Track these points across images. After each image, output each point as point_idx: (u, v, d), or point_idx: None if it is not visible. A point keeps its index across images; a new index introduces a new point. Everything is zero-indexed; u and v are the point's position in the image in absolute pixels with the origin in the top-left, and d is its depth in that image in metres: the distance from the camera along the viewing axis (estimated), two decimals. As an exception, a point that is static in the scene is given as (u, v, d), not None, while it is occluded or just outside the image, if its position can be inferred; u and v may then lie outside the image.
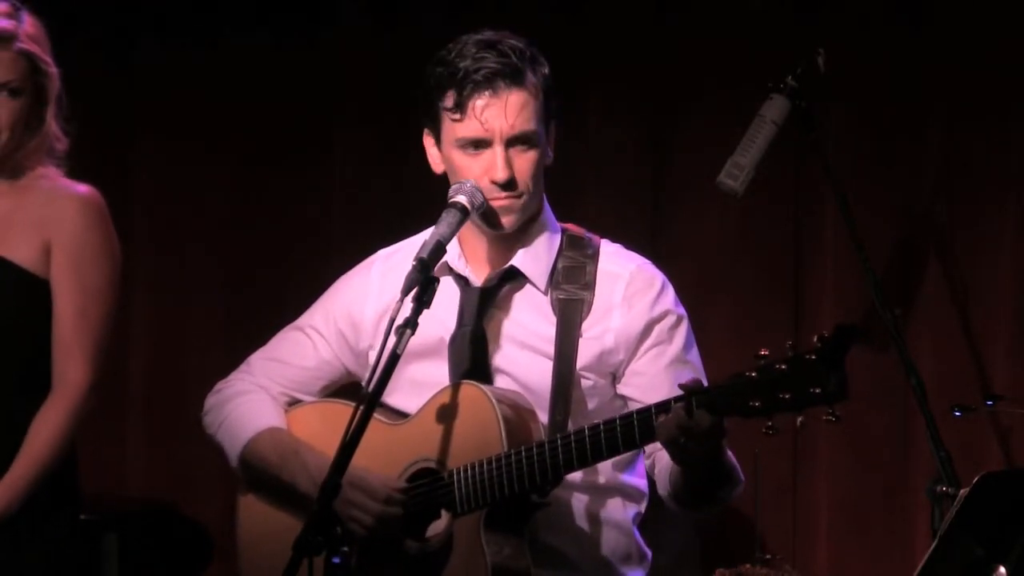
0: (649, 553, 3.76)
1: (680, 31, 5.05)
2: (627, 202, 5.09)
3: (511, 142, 3.60)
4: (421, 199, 4.01)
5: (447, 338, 3.67)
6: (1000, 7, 4.80)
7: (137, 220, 5.41)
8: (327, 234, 5.33)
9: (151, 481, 5.42)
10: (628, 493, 3.71)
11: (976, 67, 4.81)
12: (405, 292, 3.43)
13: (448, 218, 3.55)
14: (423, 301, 3.42)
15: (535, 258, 3.69)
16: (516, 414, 3.55)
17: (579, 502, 3.66)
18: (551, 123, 3.68)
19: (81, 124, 4.07)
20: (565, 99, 3.78)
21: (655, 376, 3.64)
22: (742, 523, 4.81)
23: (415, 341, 3.43)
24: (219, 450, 3.86)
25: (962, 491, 3.47)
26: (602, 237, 3.79)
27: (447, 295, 3.64)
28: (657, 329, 3.66)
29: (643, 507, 3.73)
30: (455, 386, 3.60)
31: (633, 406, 3.59)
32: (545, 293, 3.68)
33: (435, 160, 3.72)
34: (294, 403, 3.86)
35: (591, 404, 3.66)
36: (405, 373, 3.63)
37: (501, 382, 3.64)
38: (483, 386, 3.57)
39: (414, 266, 3.45)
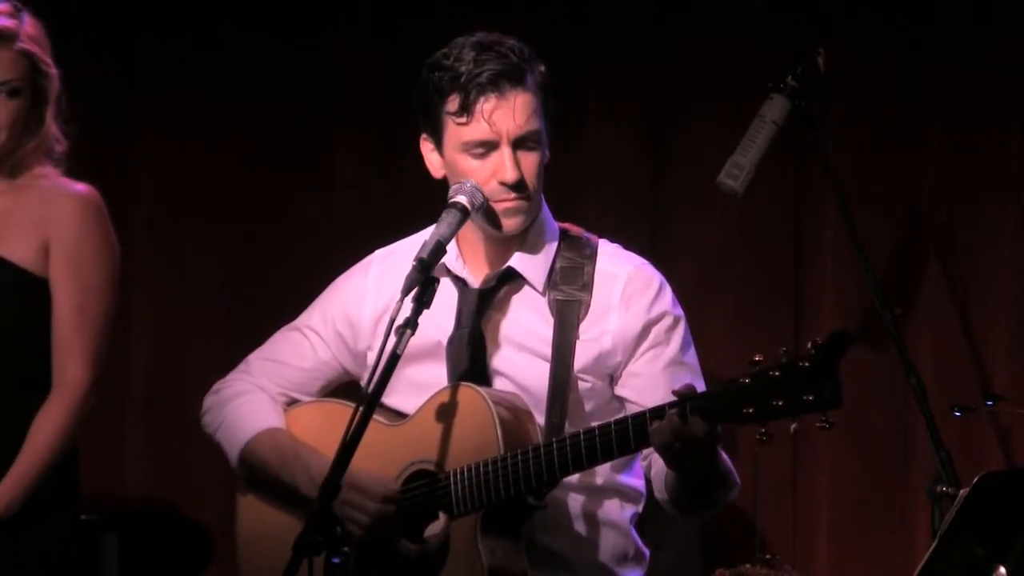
0: (647, 552, 3.74)
1: (680, 31, 5.05)
2: (627, 202, 5.09)
3: (518, 143, 3.58)
4: (421, 199, 4.00)
5: (444, 340, 3.66)
6: (1000, 7, 4.80)
7: (137, 220, 5.42)
8: (327, 234, 5.33)
9: (151, 481, 5.42)
10: (625, 494, 3.70)
11: (976, 67, 4.81)
12: (405, 292, 3.41)
13: (448, 218, 3.53)
14: (423, 301, 3.40)
15: (533, 259, 3.67)
16: (513, 416, 3.54)
17: (576, 503, 3.65)
18: (548, 122, 3.67)
19: (81, 124, 4.07)
20: (565, 99, 3.77)
21: (652, 378, 3.62)
22: (742, 523, 4.81)
23: (413, 342, 3.42)
24: (220, 449, 3.86)
25: (962, 491, 3.47)
26: (601, 237, 3.78)
27: (445, 297, 3.62)
28: (654, 330, 3.65)
29: (640, 507, 3.72)
30: (453, 388, 3.59)
31: (630, 407, 3.59)
32: (543, 294, 3.67)
33: (435, 166, 3.69)
34: (292, 403, 3.85)
35: (588, 406, 3.65)
36: (403, 374, 3.61)
37: (499, 384, 3.63)
38: (480, 388, 3.56)
39: (414, 266, 3.43)
